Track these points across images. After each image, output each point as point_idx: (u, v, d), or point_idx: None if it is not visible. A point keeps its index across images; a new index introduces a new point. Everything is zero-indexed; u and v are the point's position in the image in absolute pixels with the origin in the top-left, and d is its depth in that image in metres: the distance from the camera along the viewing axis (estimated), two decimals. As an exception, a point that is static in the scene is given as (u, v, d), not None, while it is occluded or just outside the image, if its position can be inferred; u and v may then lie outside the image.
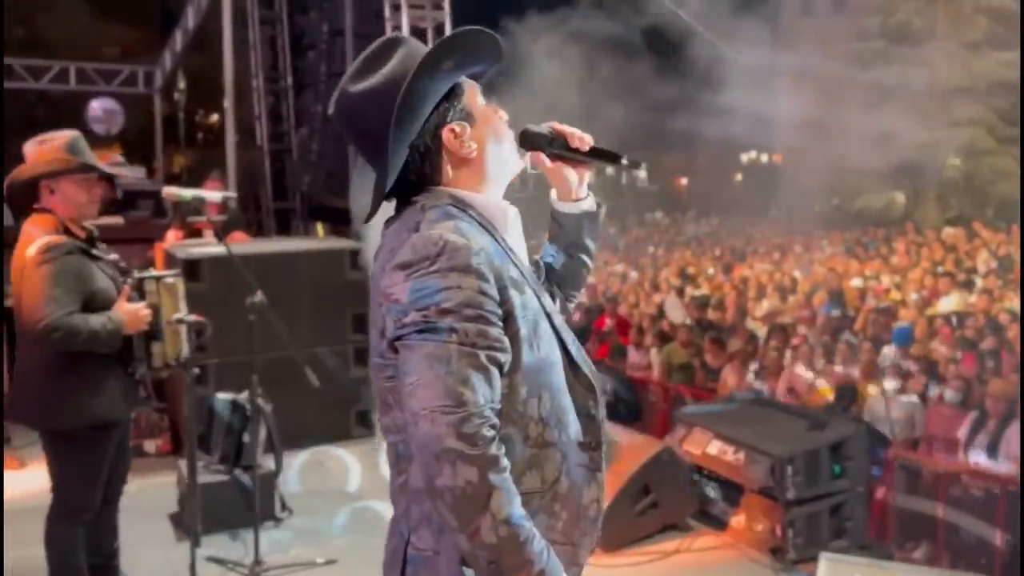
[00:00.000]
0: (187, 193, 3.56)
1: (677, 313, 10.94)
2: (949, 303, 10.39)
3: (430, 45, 1.62)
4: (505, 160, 1.67)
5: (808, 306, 10.25)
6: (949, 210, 22.93)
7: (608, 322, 10.21)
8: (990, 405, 6.37)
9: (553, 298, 1.82)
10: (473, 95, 1.63)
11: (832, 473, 4.23)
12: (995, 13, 23.32)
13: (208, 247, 5.59)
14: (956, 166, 23.66)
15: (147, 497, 4.87)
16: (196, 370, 3.48)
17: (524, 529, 1.44)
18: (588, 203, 1.88)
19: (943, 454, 6.64)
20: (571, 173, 1.81)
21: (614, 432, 4.57)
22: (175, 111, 11.30)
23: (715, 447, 4.42)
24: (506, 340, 1.50)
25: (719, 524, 4.41)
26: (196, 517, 3.62)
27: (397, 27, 7.40)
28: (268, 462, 4.68)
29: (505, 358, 1.50)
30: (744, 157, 37.38)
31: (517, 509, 1.44)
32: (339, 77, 1.76)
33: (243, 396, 4.46)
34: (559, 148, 1.73)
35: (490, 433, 1.43)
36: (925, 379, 7.30)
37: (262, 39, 11.31)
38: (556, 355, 1.62)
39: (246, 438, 4.46)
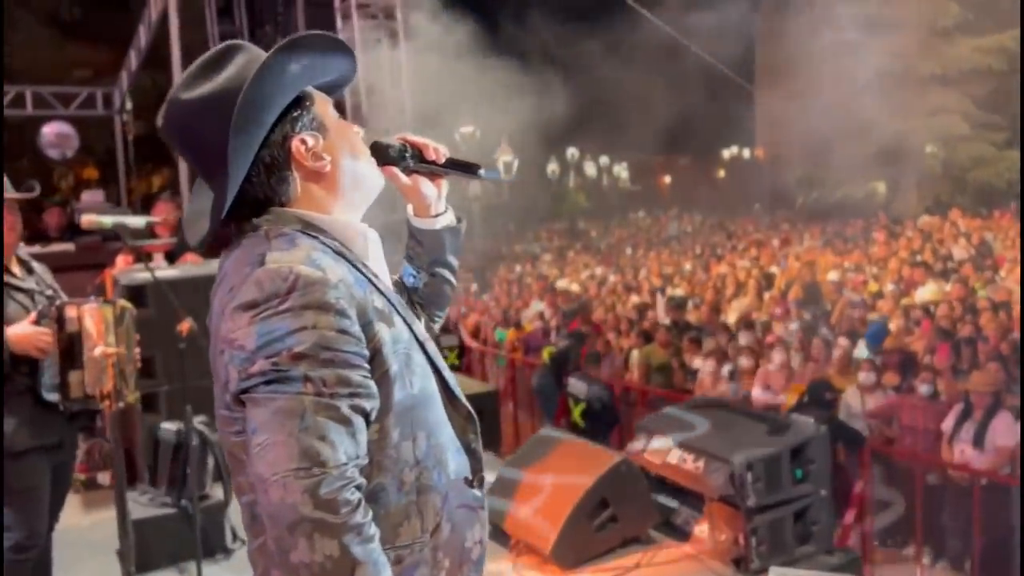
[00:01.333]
0: (107, 219, 3.44)
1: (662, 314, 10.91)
2: (925, 293, 10.33)
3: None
4: (362, 177, 1.49)
5: (783, 303, 10.18)
6: (927, 198, 22.97)
7: (583, 328, 10.09)
8: (975, 397, 6.31)
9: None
10: (325, 106, 1.47)
11: (794, 477, 4.12)
12: (965, 0, 23.42)
13: (158, 271, 5.45)
14: (933, 154, 23.71)
15: (97, 533, 4.74)
16: (121, 404, 3.32)
17: None
18: (448, 218, 1.71)
19: (921, 447, 6.58)
20: (428, 187, 1.64)
21: (571, 443, 4.46)
22: (136, 132, 11.14)
23: (675, 455, 4.31)
24: (372, 385, 1.33)
25: (682, 535, 4.30)
26: (130, 557, 3.47)
27: (349, 38, 7.28)
28: (218, 492, 4.53)
29: (371, 404, 1.33)
30: (726, 154, 37.48)
31: None
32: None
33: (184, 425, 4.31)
34: (414, 161, 1.59)
35: (354, 497, 1.26)
36: (900, 373, 7.22)
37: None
38: (432, 388, 1.47)
39: (189, 469, 4.31)
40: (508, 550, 4.23)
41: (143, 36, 9.71)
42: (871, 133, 23.77)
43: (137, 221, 3.59)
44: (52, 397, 3.22)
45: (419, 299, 1.75)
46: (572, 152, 29.74)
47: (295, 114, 1.41)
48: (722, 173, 38.54)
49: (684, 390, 8.06)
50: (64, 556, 4.15)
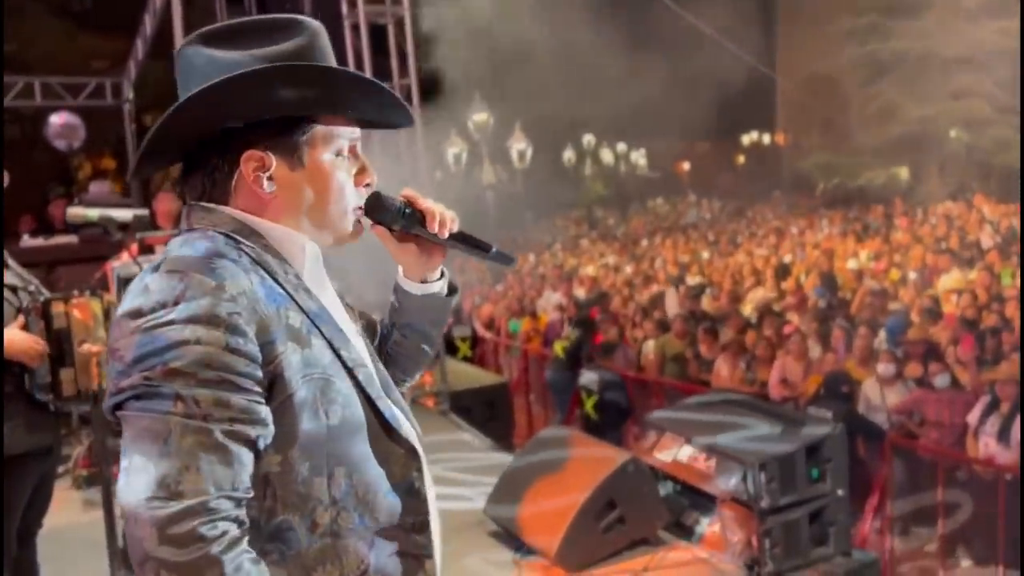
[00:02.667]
0: (93, 213, 3.34)
1: (674, 305, 10.73)
2: (949, 281, 10.07)
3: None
4: (320, 219, 1.33)
5: (799, 292, 9.96)
6: (951, 183, 22.52)
7: (599, 317, 9.94)
8: (1000, 390, 6.12)
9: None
10: (324, 143, 1.30)
11: (809, 477, 3.95)
12: (989, -20, 22.86)
13: (146, 264, 5.37)
14: (957, 138, 23.24)
15: (97, 532, 4.65)
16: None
17: None
18: (438, 286, 1.54)
19: (947, 442, 6.39)
20: (428, 255, 1.48)
21: (577, 441, 4.32)
22: (138, 121, 11.07)
23: (685, 454, 4.15)
24: (261, 410, 1.18)
25: (692, 536, 4.15)
26: (116, 556, 3.38)
27: (355, 24, 7.14)
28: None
29: (257, 432, 1.17)
30: (745, 139, 37.04)
31: None
32: None
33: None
34: (412, 227, 1.41)
35: (215, 532, 1.11)
36: (923, 364, 7.00)
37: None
38: (358, 419, 1.29)
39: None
40: (512, 552, 4.10)
41: (148, 24, 9.63)
42: (893, 118, 23.37)
43: (124, 214, 3.49)
44: (44, 397, 3.12)
45: (386, 355, 1.58)
46: (588, 139, 29.45)
47: (271, 131, 1.27)
48: (742, 159, 38.11)
49: (700, 381, 7.90)
50: (59, 553, 4.08)
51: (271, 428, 1.19)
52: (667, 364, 8.54)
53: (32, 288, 3.31)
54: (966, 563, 6.25)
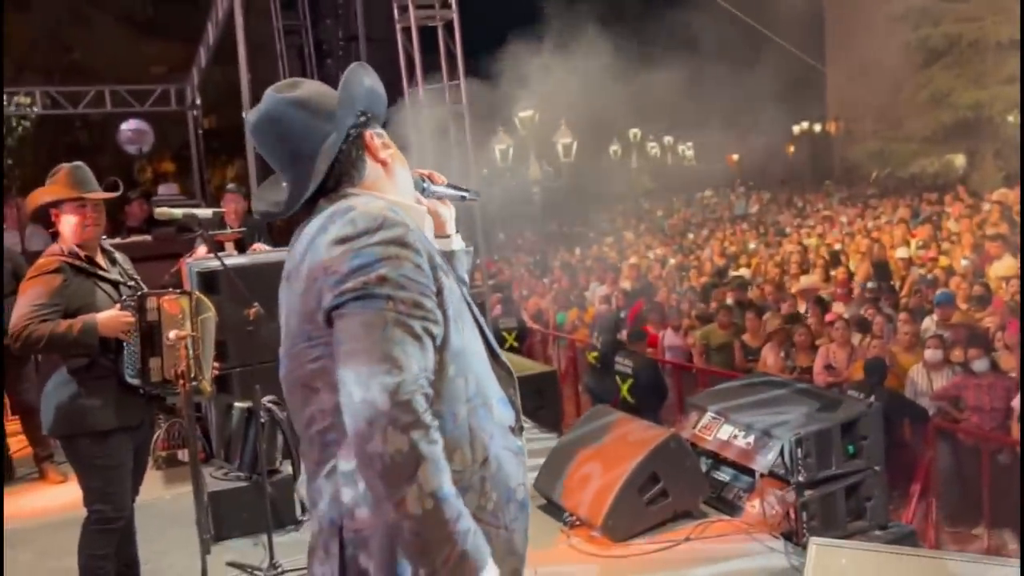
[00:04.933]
0: (178, 211, 3.68)
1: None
2: (1001, 267, 10.00)
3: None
4: (408, 181, 1.78)
5: (846, 281, 9.99)
6: (1007, 169, 21.97)
7: (645, 308, 10.13)
8: (1044, 373, 6.17)
9: None
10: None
11: (846, 453, 4.13)
12: (1048, -41, 22.19)
13: (228, 259, 5.72)
14: (1014, 123, 22.67)
15: (180, 505, 5.05)
16: (193, 383, 3.56)
17: (451, 505, 1.43)
18: (460, 240, 1.96)
19: (985, 425, 6.45)
20: (444, 209, 1.92)
21: (623, 419, 4.55)
22: (209, 126, 11.58)
23: (725, 432, 4.36)
24: (439, 314, 1.54)
25: (734, 510, 4.35)
26: (205, 526, 3.72)
27: (406, 28, 7.44)
28: (287, 467, 4.78)
29: (438, 331, 1.53)
30: (796, 128, 36.52)
31: (447, 484, 1.44)
32: None
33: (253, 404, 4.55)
34: (427, 189, 1.88)
35: (423, 402, 1.44)
36: (966, 349, 7.04)
37: (289, 48, 11.47)
38: (478, 343, 1.68)
39: (263, 445, 4.56)
40: (561, 523, 4.35)
41: (211, 33, 10.07)
42: (946, 103, 22.92)
43: (205, 212, 3.82)
44: (134, 381, 3.48)
45: None
46: (634, 132, 29.43)
47: (365, 118, 1.71)
48: (792, 149, 37.61)
49: (746, 371, 8.03)
50: (148, 527, 4.46)
51: (443, 330, 1.56)
52: (712, 353, 8.70)
53: (132, 284, 3.68)
54: (1013, 546, 6.31)
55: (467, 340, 1.63)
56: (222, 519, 4.57)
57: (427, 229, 1.77)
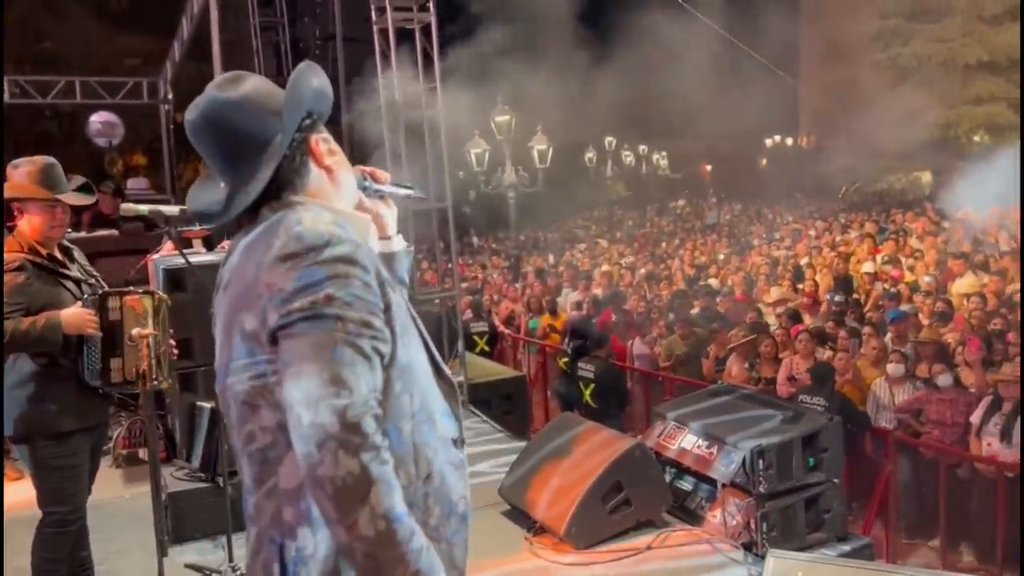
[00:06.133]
0: (143, 207, 3.63)
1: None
2: (963, 284, 10.20)
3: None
4: (352, 184, 1.75)
5: (812, 294, 10.13)
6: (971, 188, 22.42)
7: (614, 316, 10.18)
8: (1003, 390, 6.28)
9: None
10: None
11: (806, 465, 4.19)
12: (1017, -16, 22.76)
13: (195, 257, 5.67)
14: (980, 143, 23.17)
15: (139, 504, 4.98)
16: (155, 382, 3.52)
17: (404, 525, 1.43)
18: (399, 241, 1.93)
19: (946, 439, 6.57)
20: (385, 209, 1.89)
21: (588, 428, 4.57)
22: (174, 121, 11.46)
23: (688, 441, 4.40)
24: (387, 332, 1.53)
25: (695, 519, 4.39)
26: (162, 528, 3.68)
27: (384, 29, 7.42)
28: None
29: (387, 349, 1.52)
30: (768, 142, 36.99)
31: (398, 504, 1.44)
32: (332, 82, 1.82)
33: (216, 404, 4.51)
34: (371, 188, 1.84)
35: (373, 423, 1.44)
36: (931, 364, 7.16)
37: (265, 45, 11.39)
38: (422, 357, 1.67)
39: (225, 446, 4.52)
40: (524, 529, 4.36)
41: (185, 27, 9.98)
42: (915, 122, 23.34)
43: (172, 209, 3.78)
44: (95, 382, 3.43)
45: None
46: (610, 140, 29.61)
47: (309, 121, 1.65)
48: (764, 161, 38.05)
49: (711, 380, 8.10)
50: (106, 526, 4.41)
51: (391, 348, 1.54)
52: (677, 364, 8.76)
53: (93, 281, 3.63)
54: (968, 558, 6.42)
55: (413, 355, 1.62)
56: (182, 520, 4.52)
57: (372, 238, 1.76)
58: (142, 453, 5.89)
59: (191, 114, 1.64)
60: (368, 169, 1.86)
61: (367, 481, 1.40)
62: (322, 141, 1.66)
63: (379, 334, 1.49)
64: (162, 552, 3.61)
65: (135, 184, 9.43)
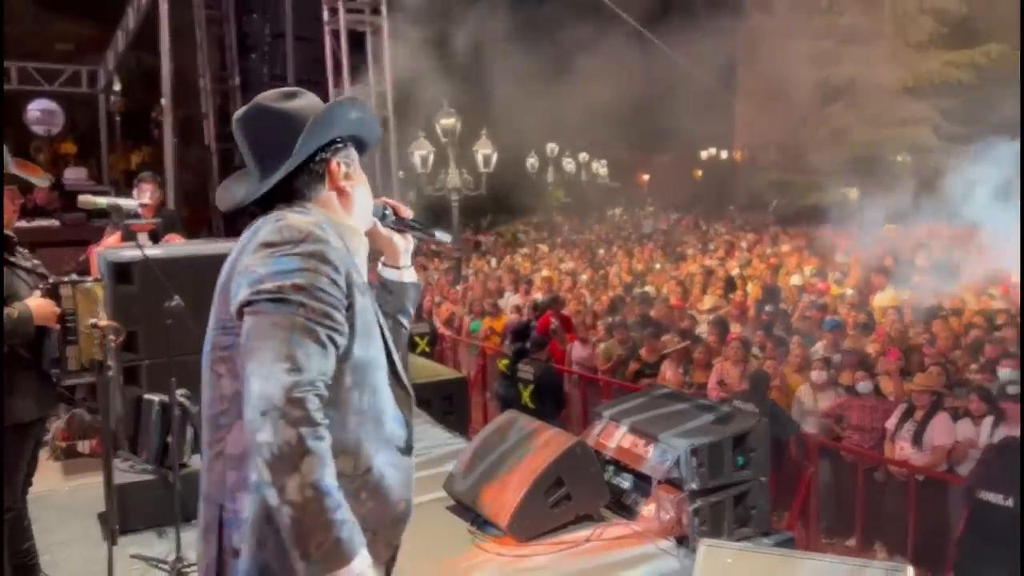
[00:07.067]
0: (102, 200, 3.66)
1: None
2: (883, 298, 10.73)
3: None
4: (365, 209, 1.94)
5: (742, 303, 10.53)
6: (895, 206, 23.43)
7: (553, 321, 10.39)
8: (916, 398, 6.66)
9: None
10: (356, 156, 1.93)
11: (735, 464, 4.44)
12: (940, 14, 23.94)
13: (139, 250, 5.62)
14: (903, 163, 24.25)
15: (79, 497, 4.97)
16: (110, 373, 3.56)
17: (331, 497, 1.55)
18: (412, 272, 2.13)
19: (864, 443, 6.95)
20: (400, 240, 2.09)
21: (531, 425, 4.75)
22: (122, 110, 11.27)
23: (627, 440, 4.61)
24: (346, 327, 1.68)
25: (631, 514, 4.59)
26: (114, 517, 3.71)
27: (335, 30, 7.49)
28: (196, 461, 4.77)
29: (342, 341, 1.67)
30: (704, 154, 37.86)
31: (328, 477, 1.56)
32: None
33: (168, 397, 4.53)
34: (388, 220, 2.04)
35: (316, 402, 1.58)
36: (855, 372, 7.54)
37: (210, 39, 11.27)
38: (382, 361, 1.81)
39: (171, 439, 4.55)
40: (468, 523, 4.51)
41: (131, 17, 9.83)
42: (844, 140, 24.30)
43: (130, 203, 3.81)
44: (53, 371, 3.45)
45: None
46: (552, 147, 29.99)
47: (339, 145, 1.88)
48: (699, 173, 38.94)
49: (647, 384, 8.36)
50: (46, 518, 4.40)
51: (346, 342, 1.70)
52: (618, 364, 9.02)
53: (41, 271, 3.64)
54: (881, 556, 6.80)
55: (371, 356, 1.76)
56: (127, 511, 4.52)
57: (361, 252, 1.89)
58: (81, 446, 5.85)
59: (239, 113, 1.87)
60: (392, 203, 2.05)
61: (301, 452, 1.53)
62: (343, 164, 1.86)
63: (337, 326, 1.65)
64: (112, 541, 3.64)
65: (74, 175, 9.24)
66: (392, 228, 2.06)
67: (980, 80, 22.99)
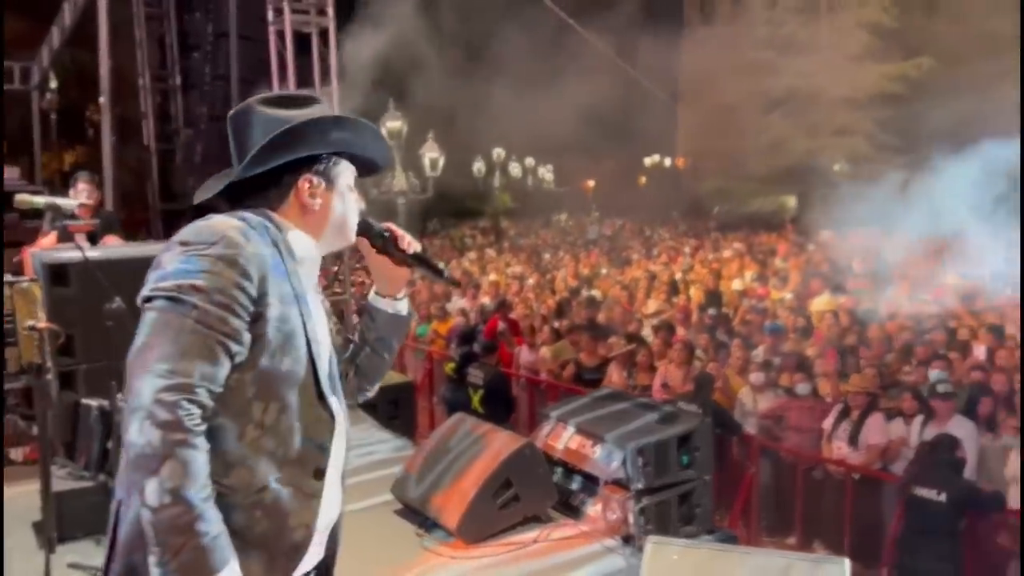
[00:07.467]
0: (39, 200, 3.57)
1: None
2: (821, 303, 11.03)
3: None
4: (337, 229, 1.86)
5: (686, 307, 10.71)
6: (832, 213, 24.13)
7: (500, 325, 10.42)
8: (852, 399, 6.86)
9: (344, 376, 1.97)
10: (345, 173, 1.86)
11: (680, 463, 4.52)
12: (875, 28, 24.73)
13: (76, 251, 5.49)
14: (840, 172, 24.96)
15: (12, 506, 4.79)
16: (49, 376, 3.47)
17: (191, 506, 1.51)
18: (402, 306, 2.06)
19: (803, 443, 7.14)
20: (396, 271, 2.00)
21: (480, 427, 4.76)
22: (54, 108, 10.96)
23: (575, 441, 4.66)
24: (246, 336, 1.63)
25: (578, 514, 4.64)
26: (51, 525, 3.60)
27: (280, 31, 7.41)
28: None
29: (237, 350, 1.62)
30: (647, 161, 38.34)
31: (191, 487, 1.51)
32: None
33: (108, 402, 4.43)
34: (388, 245, 1.95)
35: (191, 409, 1.54)
36: (794, 374, 7.73)
37: (149, 37, 11.04)
38: (300, 375, 1.73)
39: (111, 444, 4.44)
40: (416, 526, 4.50)
41: (67, 13, 9.58)
42: (783, 149, 24.93)
43: (69, 203, 3.72)
44: None
45: (356, 369, 2.06)
46: (498, 152, 30.10)
47: (318, 164, 1.82)
48: (643, 180, 39.41)
49: (592, 385, 8.43)
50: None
51: (246, 351, 1.64)
52: (560, 370, 9.08)
53: None
54: (820, 552, 6.98)
55: (285, 370, 1.69)
56: (64, 519, 4.40)
57: (308, 263, 1.82)
58: (14, 453, 5.66)
59: (234, 108, 1.85)
60: (396, 231, 1.96)
61: (163, 456, 1.50)
62: (315, 181, 1.80)
63: (233, 334, 1.60)
64: (50, 549, 3.54)
65: (7, 174, 8.94)
66: (388, 256, 1.97)
67: (912, 92, 23.84)
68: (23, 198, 3.60)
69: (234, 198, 1.80)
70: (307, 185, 1.80)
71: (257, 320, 1.64)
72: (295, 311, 1.72)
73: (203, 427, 1.56)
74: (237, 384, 1.63)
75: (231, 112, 1.84)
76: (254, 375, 1.65)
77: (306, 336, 1.73)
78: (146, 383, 1.52)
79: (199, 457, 1.53)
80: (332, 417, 1.79)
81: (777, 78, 24.96)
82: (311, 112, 1.82)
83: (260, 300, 1.65)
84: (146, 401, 1.51)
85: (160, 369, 1.53)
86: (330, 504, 1.81)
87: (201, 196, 1.83)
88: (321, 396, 1.76)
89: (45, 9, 10.83)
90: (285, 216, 1.79)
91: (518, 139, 29.39)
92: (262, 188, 1.79)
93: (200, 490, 1.53)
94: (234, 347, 1.60)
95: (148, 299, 1.61)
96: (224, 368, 1.60)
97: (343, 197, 1.85)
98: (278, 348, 1.67)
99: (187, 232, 1.65)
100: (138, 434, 1.51)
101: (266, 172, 1.77)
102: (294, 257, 1.77)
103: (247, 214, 1.74)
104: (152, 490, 1.50)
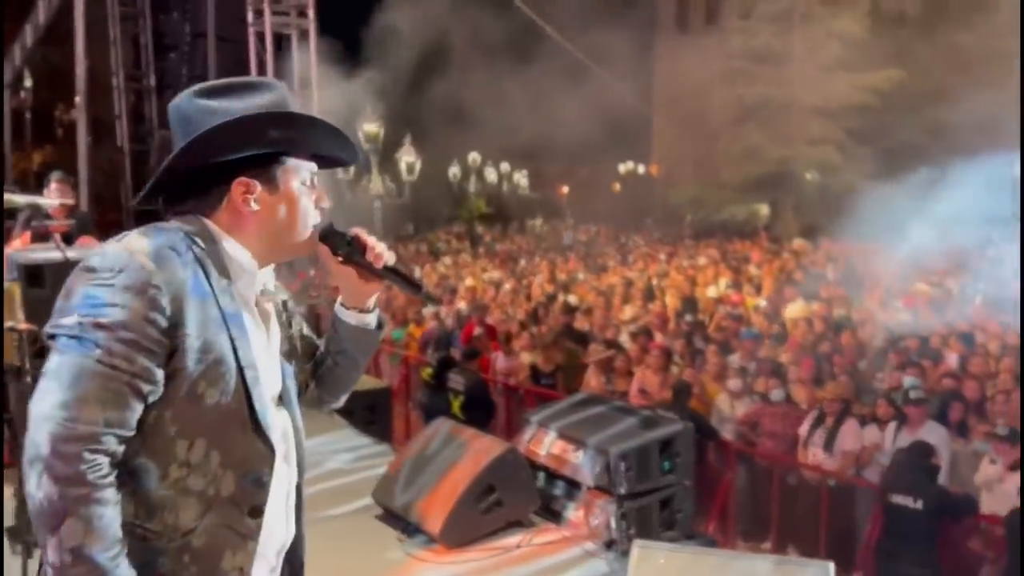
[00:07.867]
0: (21, 199, 3.52)
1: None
2: (794, 309, 11.16)
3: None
4: (283, 236, 1.65)
5: (662, 314, 10.78)
6: (804, 222, 24.49)
7: (477, 329, 10.42)
8: (826, 405, 6.94)
9: (304, 388, 1.85)
10: (293, 174, 1.63)
11: (661, 468, 4.54)
12: (847, 39, 25.08)
13: (52, 252, 5.41)
14: (812, 181, 25.30)
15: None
16: (28, 379, 3.42)
17: (97, 568, 1.39)
18: (371, 319, 1.83)
19: (778, 449, 7.21)
20: (363, 284, 1.76)
21: (462, 432, 4.75)
22: (27, 107, 10.80)
23: (557, 447, 4.67)
24: (158, 373, 1.47)
25: (561, 519, 4.64)
26: (27, 529, 3.54)
27: (260, 32, 7.37)
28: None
29: (149, 389, 1.46)
30: (622, 168, 38.60)
31: (95, 546, 1.39)
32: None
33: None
34: (354, 255, 1.71)
35: (95, 459, 1.40)
36: (769, 380, 7.80)
37: (124, 36, 10.92)
38: (231, 408, 1.56)
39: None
40: (399, 531, 4.48)
41: (41, 11, 9.45)
42: (756, 158, 25.20)
43: (50, 203, 3.67)
44: None
45: (318, 377, 1.89)
46: (474, 157, 30.14)
47: (259, 165, 1.60)
48: (618, 187, 39.67)
49: (571, 391, 8.46)
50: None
51: (161, 388, 1.48)
52: (541, 376, 9.08)
53: None
54: (795, 556, 7.05)
55: (209, 405, 1.52)
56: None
57: (245, 279, 1.63)
58: (-15, 458, 5.54)
59: (175, 98, 1.64)
60: (365, 239, 1.71)
61: (62, 513, 1.37)
62: (251, 184, 1.58)
63: (143, 373, 1.45)
64: (27, 554, 3.48)
65: (-25, 174, 8.79)
66: (355, 267, 1.73)
67: (881, 104, 24.24)
68: (7, 197, 3.55)
69: (173, 200, 1.62)
70: (241, 189, 1.58)
71: (174, 354, 1.48)
72: (223, 337, 1.53)
73: (111, 477, 1.42)
74: (156, 422, 1.49)
75: (171, 105, 1.63)
76: (174, 412, 1.50)
77: (238, 363, 1.55)
78: (42, 431, 1.38)
79: (105, 512, 1.40)
80: (270, 448, 1.61)
81: (751, 87, 25.23)
82: (259, 101, 1.60)
83: (174, 331, 1.47)
84: (44, 452, 1.37)
85: (59, 416, 1.38)
86: (272, 537, 1.66)
87: (141, 199, 1.66)
88: (257, 426, 1.58)
89: (17, 7, 10.66)
90: (220, 223, 1.59)
91: (494, 145, 29.47)
92: (195, 191, 1.60)
93: (107, 548, 1.40)
94: (145, 387, 1.45)
95: (51, 336, 1.45)
96: (135, 411, 1.45)
97: (291, 200, 1.63)
98: (201, 380, 1.51)
99: (95, 257, 1.47)
100: (36, 488, 1.37)
101: (194, 175, 1.58)
102: (228, 273, 1.59)
103: (170, 226, 1.56)
104: (53, 547, 1.38)
